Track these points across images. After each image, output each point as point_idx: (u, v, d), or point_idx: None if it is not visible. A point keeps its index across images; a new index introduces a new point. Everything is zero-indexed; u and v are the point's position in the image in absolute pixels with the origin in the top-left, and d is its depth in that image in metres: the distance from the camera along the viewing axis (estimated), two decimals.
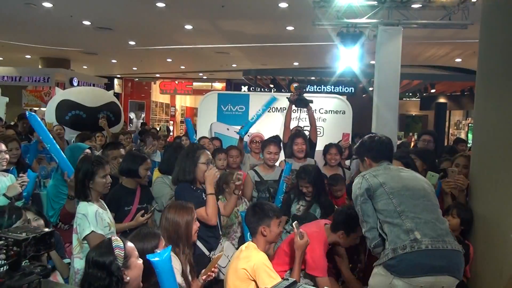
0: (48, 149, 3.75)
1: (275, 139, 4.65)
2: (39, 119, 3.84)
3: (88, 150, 3.90)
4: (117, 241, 1.93)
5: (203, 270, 2.51)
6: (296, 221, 2.72)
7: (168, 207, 2.69)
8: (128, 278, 1.89)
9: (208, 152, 3.27)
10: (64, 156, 3.60)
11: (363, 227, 2.59)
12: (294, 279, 1.29)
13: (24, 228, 1.39)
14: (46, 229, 1.40)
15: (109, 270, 1.83)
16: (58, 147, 3.67)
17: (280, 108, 6.30)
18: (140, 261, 2.00)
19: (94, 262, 1.85)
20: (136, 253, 2.00)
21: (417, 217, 2.42)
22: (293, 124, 5.45)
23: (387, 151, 2.80)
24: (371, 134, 2.96)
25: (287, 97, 5.34)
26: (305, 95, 5.27)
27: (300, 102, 5.21)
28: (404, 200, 2.47)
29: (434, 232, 2.39)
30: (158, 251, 2.14)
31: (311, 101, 5.27)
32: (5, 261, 1.24)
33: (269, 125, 6.05)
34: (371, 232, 2.53)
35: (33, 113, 3.93)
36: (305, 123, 5.81)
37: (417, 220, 2.41)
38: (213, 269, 2.48)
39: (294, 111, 5.39)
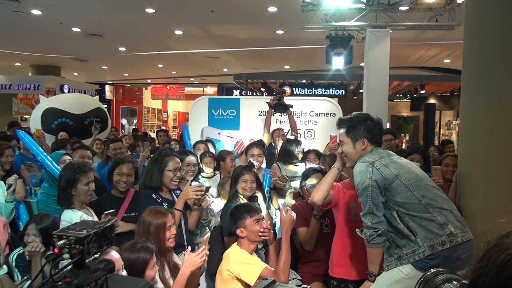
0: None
1: (258, 143, 4.68)
2: (28, 136, 3.87)
3: (67, 157, 3.91)
4: None
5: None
6: (284, 201, 2.64)
7: (143, 212, 2.63)
8: None
9: (178, 160, 3.17)
10: (56, 167, 3.58)
11: (368, 220, 2.32)
12: (273, 279, 1.26)
13: (83, 224, 1.31)
14: (107, 223, 1.34)
15: None
16: (50, 158, 3.64)
17: (265, 112, 6.31)
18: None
19: None
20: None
21: (443, 209, 2.30)
22: (275, 127, 5.48)
23: (381, 135, 2.60)
24: (366, 113, 2.68)
25: (266, 102, 5.36)
26: (296, 97, 5.30)
27: (280, 107, 5.22)
28: (424, 191, 2.32)
29: (459, 223, 2.30)
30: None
31: (291, 106, 5.29)
32: (70, 260, 1.20)
33: (254, 129, 6.07)
34: (379, 225, 2.30)
35: (22, 131, 4.03)
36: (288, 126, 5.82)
37: (444, 212, 2.29)
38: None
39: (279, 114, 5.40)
